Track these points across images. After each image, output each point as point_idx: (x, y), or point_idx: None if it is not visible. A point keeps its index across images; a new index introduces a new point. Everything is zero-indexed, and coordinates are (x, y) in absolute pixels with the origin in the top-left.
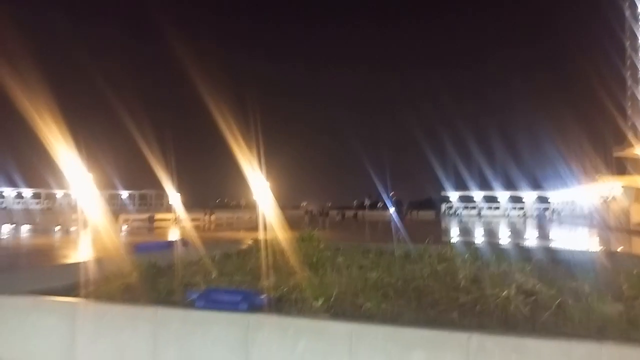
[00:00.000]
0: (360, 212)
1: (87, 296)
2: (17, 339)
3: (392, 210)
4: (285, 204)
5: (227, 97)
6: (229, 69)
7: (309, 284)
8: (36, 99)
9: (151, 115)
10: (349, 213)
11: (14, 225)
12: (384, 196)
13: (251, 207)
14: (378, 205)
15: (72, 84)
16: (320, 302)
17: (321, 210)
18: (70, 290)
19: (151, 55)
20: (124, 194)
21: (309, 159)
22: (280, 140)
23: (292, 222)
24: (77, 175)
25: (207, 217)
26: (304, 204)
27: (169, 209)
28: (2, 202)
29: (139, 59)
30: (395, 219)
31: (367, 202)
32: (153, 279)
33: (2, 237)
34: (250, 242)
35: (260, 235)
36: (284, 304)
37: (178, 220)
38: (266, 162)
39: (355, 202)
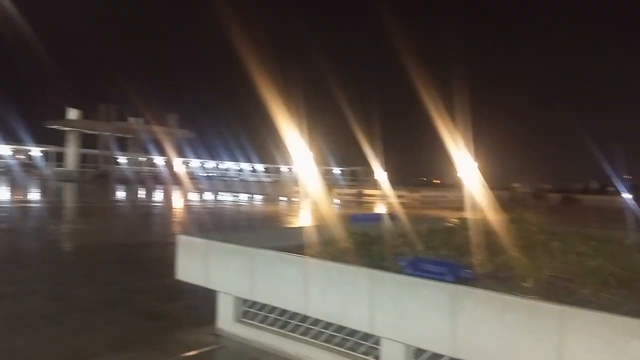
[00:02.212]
0: (583, 196)
1: (313, 255)
2: (267, 285)
3: (627, 195)
4: (495, 185)
5: (432, 73)
6: (435, 41)
7: (518, 263)
8: (275, 86)
9: (360, 95)
10: (570, 196)
11: (250, 194)
12: (616, 179)
13: (457, 186)
14: (607, 190)
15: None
16: (529, 282)
17: (536, 191)
18: (299, 249)
19: (359, 35)
20: (337, 170)
21: (522, 137)
22: (490, 116)
23: (501, 203)
24: (299, 153)
25: (412, 194)
26: (515, 184)
27: (375, 185)
28: (240, 175)
29: (346, 39)
30: (631, 206)
31: (594, 186)
32: (366, 246)
33: (242, 204)
34: (456, 220)
35: (467, 214)
36: (490, 280)
37: (385, 196)
38: (475, 141)
39: (578, 185)
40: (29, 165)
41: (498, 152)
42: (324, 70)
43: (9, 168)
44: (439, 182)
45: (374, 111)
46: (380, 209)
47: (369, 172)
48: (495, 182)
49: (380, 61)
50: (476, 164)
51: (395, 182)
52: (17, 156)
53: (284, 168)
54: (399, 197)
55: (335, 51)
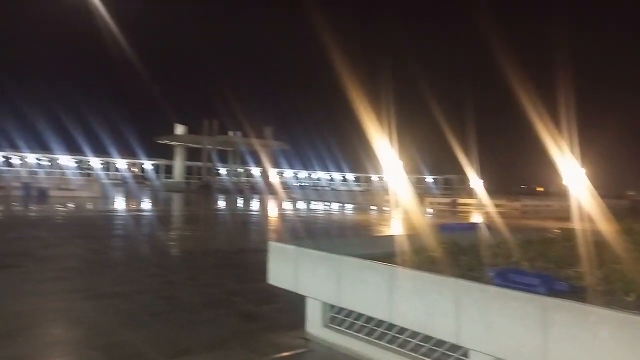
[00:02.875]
0: None
1: (400, 264)
2: (353, 291)
3: None
4: (607, 193)
5: (535, 70)
6: (538, 34)
7: (622, 277)
8: (366, 94)
9: (454, 99)
10: None
11: (342, 204)
12: None
13: (563, 195)
14: None
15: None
16: (632, 297)
17: None
18: (387, 257)
19: (450, 34)
20: (429, 178)
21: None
22: (603, 117)
23: (614, 213)
24: (389, 162)
25: (512, 203)
26: (631, 193)
27: (471, 193)
28: (332, 185)
29: (437, 39)
30: None
31: None
32: (456, 256)
33: (333, 213)
34: (557, 231)
35: (572, 224)
36: (588, 294)
37: (481, 205)
38: (583, 145)
39: None
40: (141, 177)
41: (611, 157)
42: (415, 76)
43: (125, 180)
44: (542, 190)
45: (469, 115)
46: (475, 218)
47: (464, 180)
48: (608, 190)
49: (475, 60)
50: (584, 171)
51: (492, 190)
52: (131, 169)
53: (375, 177)
54: (497, 206)
55: (428, 53)
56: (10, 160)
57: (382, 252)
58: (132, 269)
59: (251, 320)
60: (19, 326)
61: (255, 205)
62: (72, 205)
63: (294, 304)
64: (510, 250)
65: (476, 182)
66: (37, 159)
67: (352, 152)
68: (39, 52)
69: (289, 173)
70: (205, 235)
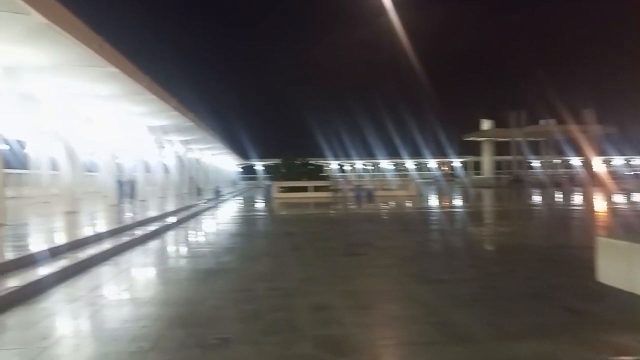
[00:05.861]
0: None
1: None
2: None
3: None
4: None
5: None
6: None
7: None
8: None
9: None
10: None
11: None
12: None
13: None
14: None
15: None
16: None
17: None
18: None
19: None
20: None
21: None
22: None
23: None
24: None
25: None
26: None
27: None
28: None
29: None
30: None
31: None
32: None
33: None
34: None
35: None
36: None
37: None
38: None
39: None
40: (451, 175)
41: None
42: None
43: (436, 178)
44: None
45: None
46: None
47: None
48: None
49: None
50: None
51: None
52: (442, 168)
53: None
54: None
55: None
56: (343, 167)
57: None
58: (454, 259)
59: (577, 314)
60: (367, 302)
61: (576, 198)
62: (393, 204)
63: (627, 304)
64: None
65: None
66: (363, 164)
67: None
68: (359, 69)
69: (617, 160)
70: (520, 230)
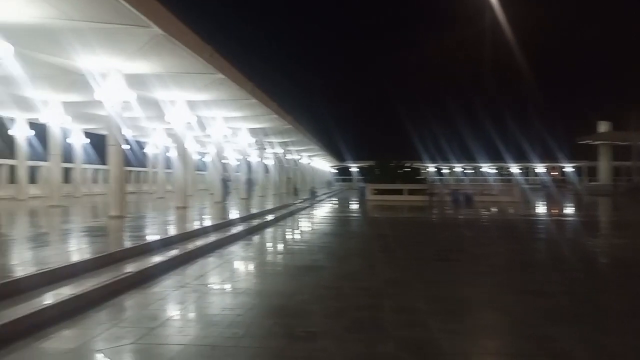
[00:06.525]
0: None
1: None
2: None
3: None
4: None
5: None
6: None
7: None
8: None
9: None
10: None
11: None
12: None
13: None
14: None
15: None
16: None
17: None
18: None
19: None
20: None
21: None
22: None
23: None
24: None
25: None
26: None
27: None
28: None
29: None
30: None
31: None
32: None
33: None
34: None
35: None
36: None
37: None
38: None
39: None
40: (561, 181)
41: None
42: None
43: (544, 184)
44: None
45: None
46: None
47: None
48: None
49: None
50: None
51: None
52: (551, 173)
53: None
54: None
55: None
56: (441, 170)
57: None
58: (554, 271)
59: None
60: (459, 308)
61: None
62: (494, 209)
63: None
64: None
65: None
66: (462, 168)
67: None
68: (461, 69)
69: None
70: (636, 243)
